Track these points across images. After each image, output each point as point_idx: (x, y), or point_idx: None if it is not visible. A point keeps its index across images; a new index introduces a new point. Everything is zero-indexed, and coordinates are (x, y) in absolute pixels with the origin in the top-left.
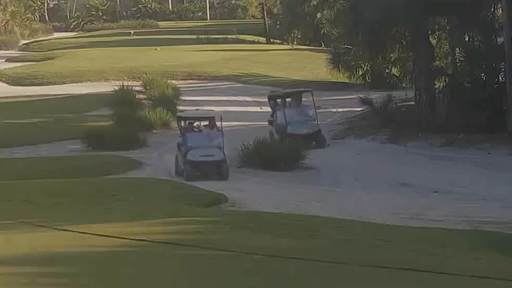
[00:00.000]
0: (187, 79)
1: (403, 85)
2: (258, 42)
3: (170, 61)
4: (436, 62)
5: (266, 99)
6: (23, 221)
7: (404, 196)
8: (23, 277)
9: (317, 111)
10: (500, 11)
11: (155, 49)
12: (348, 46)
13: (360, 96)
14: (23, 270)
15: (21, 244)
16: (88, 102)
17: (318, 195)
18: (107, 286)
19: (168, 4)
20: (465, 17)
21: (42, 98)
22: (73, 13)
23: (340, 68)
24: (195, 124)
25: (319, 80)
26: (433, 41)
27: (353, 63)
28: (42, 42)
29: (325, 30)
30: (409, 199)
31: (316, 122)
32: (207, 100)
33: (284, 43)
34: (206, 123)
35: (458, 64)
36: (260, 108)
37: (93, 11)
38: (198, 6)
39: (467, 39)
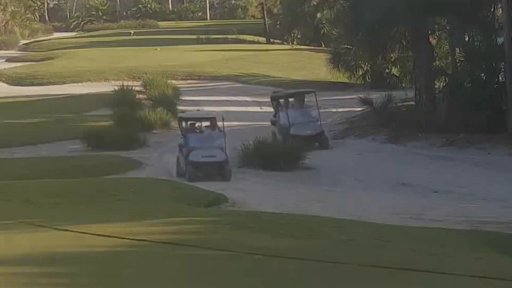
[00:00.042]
0: (187, 79)
1: (403, 85)
2: (258, 42)
3: (170, 61)
4: (436, 62)
5: (266, 99)
6: (23, 221)
7: (404, 196)
8: (23, 277)
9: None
10: (500, 11)
11: (155, 49)
12: (348, 46)
13: (360, 96)
14: (23, 270)
15: (21, 244)
16: (88, 102)
17: (318, 195)
18: (107, 286)
19: (168, 4)
20: (465, 17)
21: (42, 98)
22: (73, 13)
23: (340, 68)
24: (196, 125)
25: (319, 80)
26: (433, 41)
27: (353, 63)
28: (42, 42)
29: (325, 30)
30: (409, 199)
31: (319, 123)
32: (207, 100)
33: (284, 43)
34: (208, 123)
35: (458, 64)
36: (260, 108)
37: (93, 11)
38: (198, 6)
39: (467, 39)
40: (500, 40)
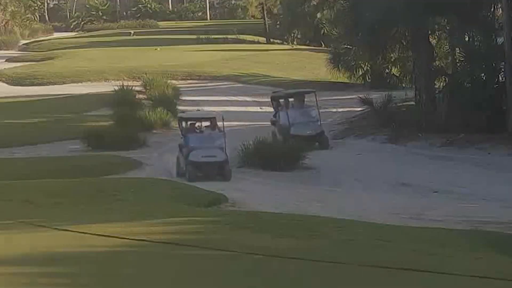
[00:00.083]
0: (187, 79)
1: (403, 85)
2: (258, 42)
3: (170, 61)
4: (436, 62)
5: (266, 99)
6: (23, 221)
7: (404, 196)
8: (23, 277)
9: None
10: (500, 11)
11: (155, 49)
12: (348, 46)
13: (360, 96)
14: (23, 270)
15: (21, 244)
16: (88, 102)
17: (318, 195)
18: (107, 286)
19: (168, 4)
20: (465, 17)
21: (42, 98)
22: (73, 13)
23: (340, 68)
24: (196, 125)
25: (319, 80)
26: (433, 41)
27: (353, 63)
28: (42, 42)
29: (325, 30)
30: (409, 199)
31: (319, 123)
32: (207, 100)
33: (284, 43)
34: (208, 123)
35: (458, 64)
36: (260, 108)
37: (93, 11)
38: (198, 6)
39: (467, 39)
40: (500, 40)
